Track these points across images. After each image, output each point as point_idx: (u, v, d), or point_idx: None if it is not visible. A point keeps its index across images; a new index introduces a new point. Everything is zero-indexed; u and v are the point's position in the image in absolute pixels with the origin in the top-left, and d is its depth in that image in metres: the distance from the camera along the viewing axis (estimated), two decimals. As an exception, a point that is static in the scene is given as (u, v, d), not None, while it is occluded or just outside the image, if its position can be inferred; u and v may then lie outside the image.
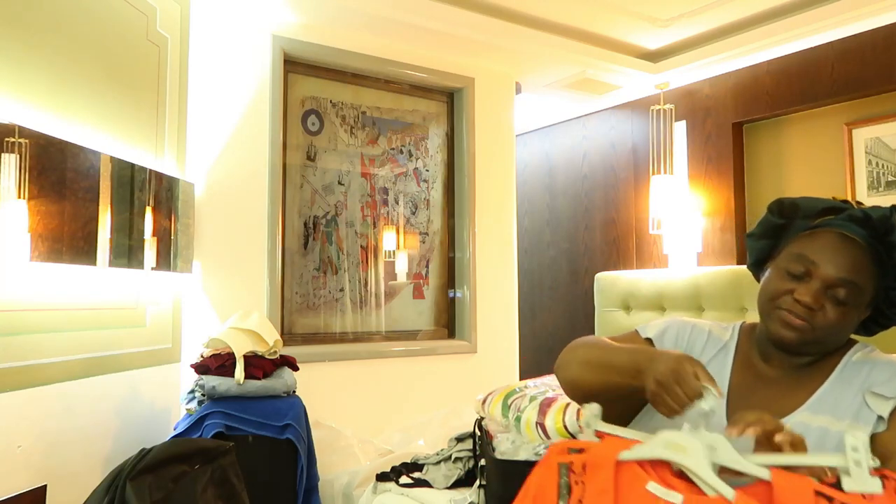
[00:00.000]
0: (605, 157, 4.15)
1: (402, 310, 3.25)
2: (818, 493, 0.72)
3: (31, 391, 1.76)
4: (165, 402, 2.39)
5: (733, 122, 3.50)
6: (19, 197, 1.66)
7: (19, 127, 1.67)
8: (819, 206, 1.11)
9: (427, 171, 3.36)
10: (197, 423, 2.04)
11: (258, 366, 2.20)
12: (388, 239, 3.23)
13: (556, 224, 4.45)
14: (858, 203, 1.12)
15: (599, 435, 0.97)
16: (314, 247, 3.01)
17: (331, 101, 3.09)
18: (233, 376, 2.13)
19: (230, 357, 2.16)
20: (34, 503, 1.74)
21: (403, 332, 3.23)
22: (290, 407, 2.20)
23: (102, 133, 2.06)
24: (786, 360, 1.12)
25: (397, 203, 3.27)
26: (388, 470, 2.20)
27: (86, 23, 2.01)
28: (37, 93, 1.81)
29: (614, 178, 4.09)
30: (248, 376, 2.15)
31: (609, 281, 3.21)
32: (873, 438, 0.98)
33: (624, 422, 1.13)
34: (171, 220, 2.36)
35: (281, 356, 2.32)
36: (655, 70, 3.51)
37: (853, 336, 1.15)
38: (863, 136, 3.07)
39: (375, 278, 3.17)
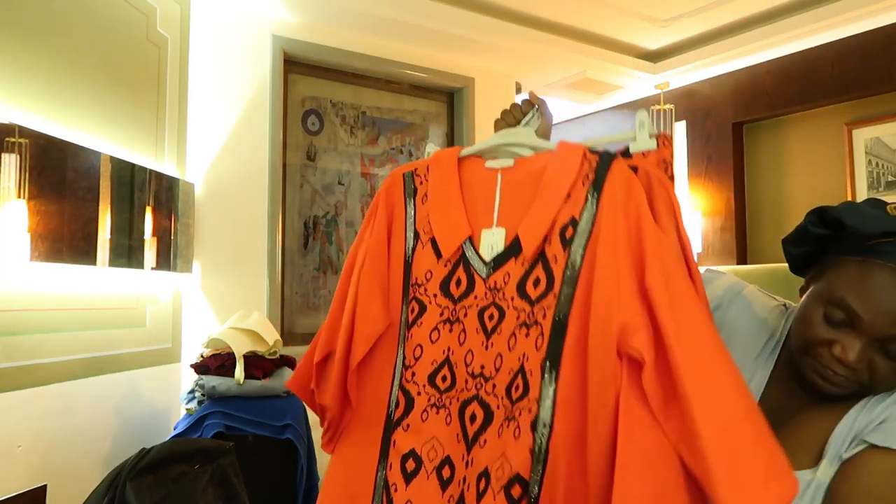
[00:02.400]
0: (605, 157, 4.15)
1: (402, 310, 3.25)
2: (591, 150, 0.87)
3: (31, 391, 1.76)
4: (165, 402, 2.39)
5: (733, 123, 3.50)
6: (19, 197, 1.66)
7: (19, 127, 1.67)
8: (875, 228, 0.84)
9: (427, 171, 3.36)
10: (197, 423, 2.04)
11: (258, 366, 2.19)
12: (388, 239, 3.23)
13: (556, 224, 4.45)
14: None
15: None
16: (314, 247, 3.01)
17: (331, 101, 3.09)
18: (233, 376, 2.13)
19: (230, 357, 2.16)
20: (34, 503, 1.74)
21: (403, 332, 3.22)
22: (290, 407, 2.20)
23: (102, 133, 2.06)
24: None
25: (397, 203, 3.27)
26: (388, 470, 2.20)
27: (86, 23, 2.01)
28: (37, 93, 1.81)
29: (614, 178, 4.08)
30: (247, 376, 2.15)
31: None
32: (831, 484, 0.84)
33: None
34: (171, 220, 2.36)
35: (281, 356, 2.32)
36: (655, 70, 3.51)
37: None
38: (863, 136, 3.07)
39: (375, 278, 3.17)
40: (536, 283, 0.85)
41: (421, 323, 0.94)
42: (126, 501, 1.59)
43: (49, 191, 1.76)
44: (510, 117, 1.11)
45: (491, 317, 0.89)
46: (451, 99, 3.44)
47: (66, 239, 1.82)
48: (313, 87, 3.04)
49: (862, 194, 3.05)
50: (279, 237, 2.81)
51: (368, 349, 0.94)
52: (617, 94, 3.85)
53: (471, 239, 0.93)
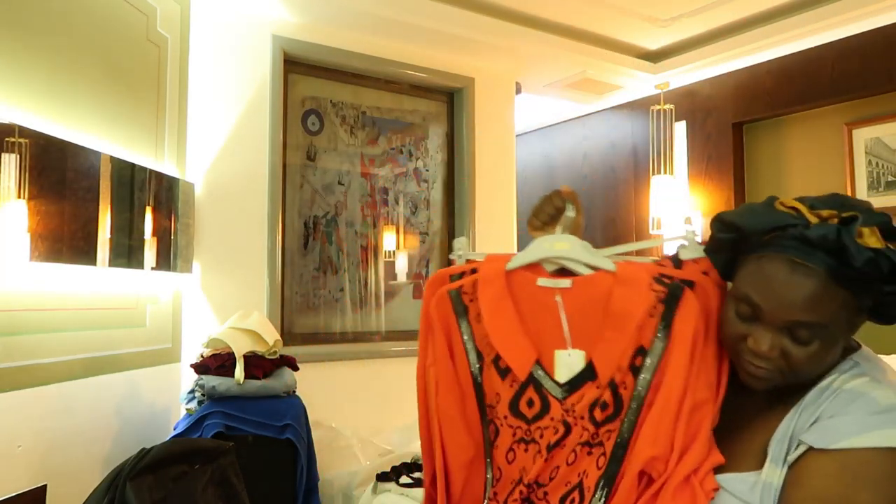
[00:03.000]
0: (605, 157, 4.15)
1: (402, 310, 3.25)
2: (657, 279, 0.92)
3: (31, 391, 1.76)
4: (165, 402, 2.39)
5: (733, 123, 3.50)
6: (19, 197, 1.66)
7: (19, 127, 1.67)
8: (765, 224, 0.88)
9: (427, 171, 3.36)
10: (197, 423, 2.04)
11: (258, 366, 2.19)
12: (388, 239, 3.23)
13: (556, 224, 4.44)
14: (843, 204, 0.91)
15: (471, 263, 1.08)
16: (314, 247, 3.01)
17: (331, 101, 3.09)
18: (233, 376, 2.12)
19: (230, 357, 2.16)
20: (34, 503, 1.74)
21: (403, 332, 3.22)
22: (290, 407, 2.20)
23: (102, 133, 2.06)
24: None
25: (397, 203, 3.27)
26: (388, 470, 2.20)
27: (86, 23, 2.01)
28: (37, 93, 1.80)
29: (614, 178, 4.09)
30: (248, 376, 2.15)
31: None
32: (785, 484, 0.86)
33: None
34: (171, 220, 2.35)
35: (281, 356, 2.32)
36: (655, 70, 3.51)
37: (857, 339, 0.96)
38: (863, 136, 3.07)
39: (375, 278, 3.17)
40: (604, 406, 0.92)
41: (497, 445, 0.98)
42: (126, 501, 1.59)
43: (49, 191, 1.76)
44: (543, 214, 1.10)
45: (556, 431, 0.94)
46: (451, 99, 3.44)
47: (66, 239, 1.82)
48: (313, 87, 3.04)
49: (862, 194, 3.05)
50: (279, 237, 2.81)
51: (465, 475, 0.99)
52: (617, 94, 3.85)
53: (539, 360, 0.96)
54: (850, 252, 0.80)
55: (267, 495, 2.08)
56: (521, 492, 0.94)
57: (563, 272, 1.00)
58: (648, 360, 0.90)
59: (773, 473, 0.87)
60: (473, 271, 1.05)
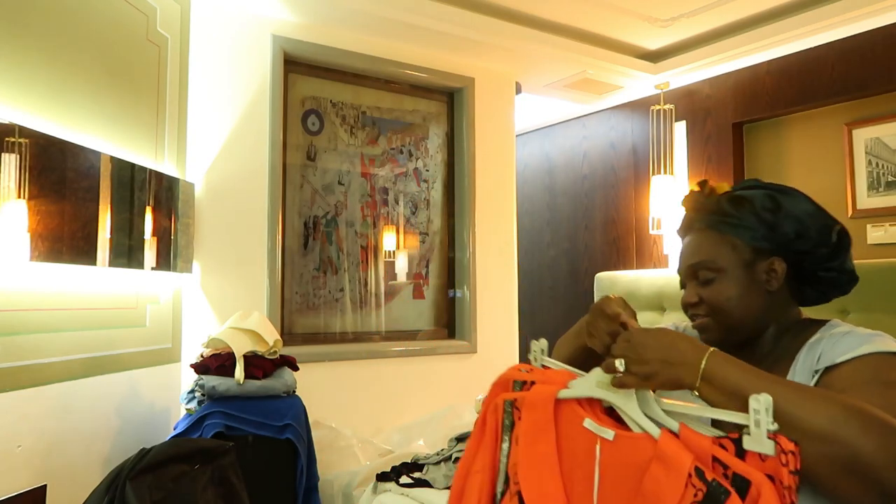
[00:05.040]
0: (605, 157, 4.15)
1: (402, 310, 3.25)
2: (697, 471, 0.76)
3: (31, 391, 1.76)
4: (165, 402, 2.39)
5: (733, 123, 3.50)
6: (19, 197, 1.66)
7: (19, 127, 1.67)
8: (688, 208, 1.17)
9: (427, 171, 3.36)
10: (197, 423, 2.04)
11: (258, 366, 2.19)
12: (388, 239, 3.23)
13: (556, 224, 4.45)
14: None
15: (544, 372, 1.00)
16: (314, 247, 3.01)
17: (331, 101, 3.09)
18: (233, 376, 2.12)
19: (230, 357, 2.16)
20: (34, 503, 1.74)
21: (403, 332, 3.22)
22: (290, 407, 2.20)
23: (102, 133, 2.06)
24: (737, 353, 1.05)
25: (397, 203, 3.27)
26: (388, 470, 2.20)
27: (86, 23, 2.01)
28: (37, 92, 1.80)
29: (614, 178, 4.09)
30: (248, 376, 2.15)
31: (609, 281, 3.21)
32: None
33: None
34: (171, 220, 2.35)
35: (281, 356, 2.32)
36: (655, 70, 3.51)
37: (829, 318, 1.10)
38: (863, 136, 3.07)
39: (375, 278, 3.17)
40: None
41: None
42: (126, 501, 1.59)
43: (49, 191, 1.76)
44: (602, 335, 1.00)
45: None
46: (451, 99, 3.44)
47: (66, 239, 1.82)
48: (313, 87, 3.04)
49: (862, 194, 3.05)
50: (279, 237, 2.81)
51: None
52: (617, 94, 3.85)
53: None
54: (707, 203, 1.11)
55: (267, 495, 2.08)
56: None
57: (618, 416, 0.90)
58: None
59: None
60: (533, 383, 0.96)
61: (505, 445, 0.92)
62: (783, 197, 1.06)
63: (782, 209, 1.05)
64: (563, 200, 4.41)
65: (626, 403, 0.86)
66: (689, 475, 0.75)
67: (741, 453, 0.76)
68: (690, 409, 0.86)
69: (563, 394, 0.91)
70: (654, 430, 0.82)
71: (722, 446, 0.77)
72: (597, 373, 0.90)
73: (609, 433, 0.84)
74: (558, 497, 0.84)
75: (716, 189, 1.12)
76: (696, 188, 1.15)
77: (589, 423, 0.86)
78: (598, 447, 0.85)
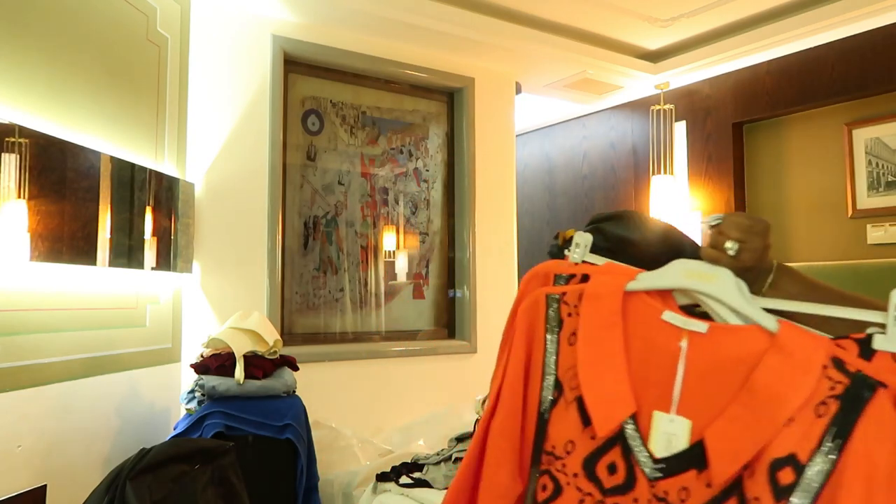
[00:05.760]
0: (605, 157, 4.15)
1: (402, 310, 3.25)
2: (836, 361, 0.65)
3: (31, 391, 1.76)
4: (165, 402, 2.39)
5: (733, 122, 3.50)
6: (19, 197, 1.66)
7: (19, 127, 1.67)
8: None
9: (427, 171, 3.36)
10: (197, 423, 2.04)
11: (258, 366, 2.19)
12: (388, 239, 3.23)
13: (556, 224, 4.45)
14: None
15: (586, 266, 0.88)
16: (314, 247, 3.01)
17: (331, 101, 3.09)
18: (233, 376, 2.12)
19: (230, 357, 2.16)
20: (34, 503, 1.74)
21: (403, 332, 3.22)
22: (290, 407, 2.20)
23: (102, 133, 2.06)
24: None
25: (397, 203, 3.27)
26: (388, 470, 2.20)
27: (86, 23, 2.01)
28: (37, 92, 1.80)
29: (614, 178, 4.09)
30: (248, 376, 2.14)
31: (609, 281, 3.21)
32: None
33: None
34: (171, 220, 2.35)
35: (281, 356, 2.32)
36: (655, 70, 3.51)
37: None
38: (863, 136, 3.07)
39: (375, 278, 3.17)
40: None
41: None
42: (126, 501, 1.58)
43: (49, 191, 1.76)
44: (716, 250, 0.84)
45: None
46: (451, 99, 3.44)
47: (66, 239, 1.82)
48: (313, 87, 3.04)
49: (862, 194, 3.05)
50: (279, 237, 2.81)
51: None
52: (617, 94, 3.85)
53: (635, 417, 0.73)
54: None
55: (267, 495, 2.08)
56: None
57: (699, 313, 0.77)
58: (803, 482, 0.61)
59: None
60: (585, 279, 0.83)
61: (551, 346, 0.79)
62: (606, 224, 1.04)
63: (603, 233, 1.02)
64: (563, 200, 4.41)
65: (726, 293, 0.73)
66: (825, 367, 0.64)
67: (867, 356, 0.66)
68: (805, 306, 0.73)
69: (633, 286, 0.78)
70: (770, 322, 0.69)
71: (841, 346, 0.67)
72: (682, 262, 0.78)
73: (701, 325, 0.72)
74: (629, 401, 0.72)
75: (564, 235, 1.09)
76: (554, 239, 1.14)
77: (671, 315, 0.74)
78: (683, 343, 0.72)
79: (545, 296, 0.82)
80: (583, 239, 0.89)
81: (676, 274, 0.77)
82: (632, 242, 0.99)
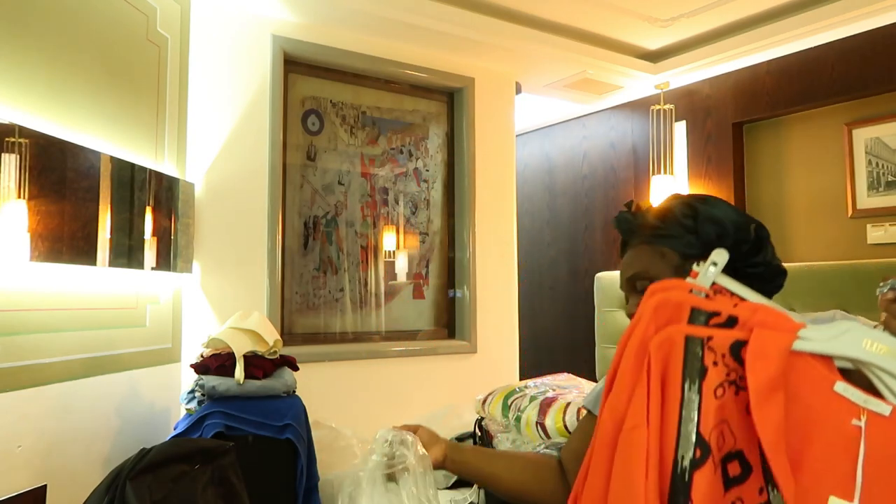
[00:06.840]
0: (605, 157, 4.15)
1: (402, 310, 3.25)
2: None
3: (31, 391, 1.76)
4: (165, 402, 2.39)
5: (733, 123, 3.50)
6: (19, 197, 1.66)
7: (19, 127, 1.67)
8: (622, 228, 1.23)
9: (427, 171, 3.36)
10: (197, 423, 2.04)
11: (258, 366, 2.19)
12: (388, 239, 3.23)
13: (556, 224, 4.45)
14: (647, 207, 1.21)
15: (717, 289, 0.77)
16: (314, 247, 3.01)
17: (331, 101, 3.09)
18: (233, 376, 2.12)
19: (230, 357, 2.16)
20: (34, 503, 1.74)
21: (403, 332, 3.22)
22: (290, 407, 2.20)
23: (102, 133, 2.06)
24: None
25: (397, 203, 3.27)
26: (388, 470, 2.20)
27: (86, 23, 2.01)
28: (37, 93, 1.80)
29: (614, 178, 4.09)
30: (248, 376, 2.14)
31: (609, 281, 3.21)
32: None
33: None
34: (171, 220, 2.35)
35: (281, 356, 2.32)
36: (655, 70, 3.51)
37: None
38: (863, 136, 3.07)
39: (375, 278, 3.17)
40: None
41: None
42: (126, 501, 1.58)
43: (49, 191, 1.76)
44: None
45: None
46: (451, 99, 3.44)
47: (66, 239, 1.82)
48: (313, 87, 3.04)
49: (862, 194, 3.05)
50: (279, 237, 2.81)
51: None
52: (617, 94, 3.85)
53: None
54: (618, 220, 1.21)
55: (267, 495, 2.07)
56: None
57: (865, 384, 0.69)
58: None
59: None
60: (730, 321, 0.73)
61: (691, 396, 0.69)
62: (700, 204, 1.13)
63: (700, 214, 1.11)
64: (563, 200, 4.41)
65: None
66: None
67: None
68: None
69: (801, 346, 0.69)
70: None
71: None
72: (860, 329, 0.70)
73: (884, 406, 0.65)
74: (788, 482, 0.64)
75: (641, 206, 1.22)
76: (624, 208, 1.24)
77: (845, 387, 0.66)
78: (860, 422, 0.65)
79: (685, 337, 0.71)
80: (721, 258, 0.78)
81: (855, 343, 0.69)
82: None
